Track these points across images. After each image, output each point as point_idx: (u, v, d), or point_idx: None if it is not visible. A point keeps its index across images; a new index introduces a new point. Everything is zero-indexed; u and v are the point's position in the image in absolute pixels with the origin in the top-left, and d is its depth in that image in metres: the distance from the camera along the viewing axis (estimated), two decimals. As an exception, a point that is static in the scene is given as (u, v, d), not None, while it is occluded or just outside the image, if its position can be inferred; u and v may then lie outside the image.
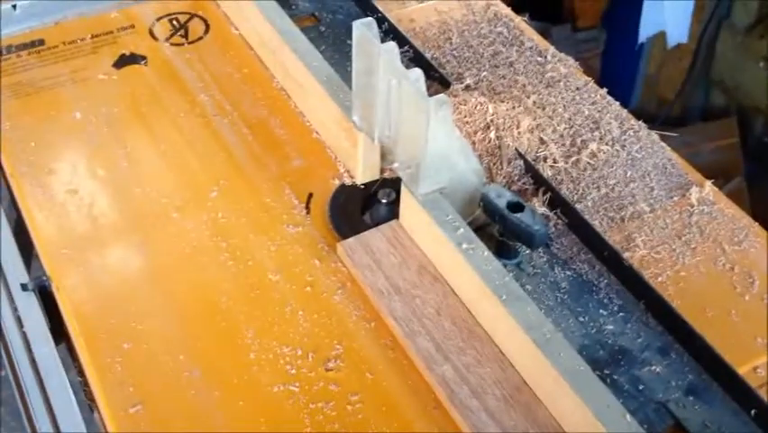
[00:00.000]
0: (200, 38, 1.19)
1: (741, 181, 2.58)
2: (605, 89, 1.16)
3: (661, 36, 2.80)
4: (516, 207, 0.90)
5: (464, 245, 0.85)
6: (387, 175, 0.98)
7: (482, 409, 0.77)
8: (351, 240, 0.92)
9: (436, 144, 0.85)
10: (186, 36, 1.19)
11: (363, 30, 0.89)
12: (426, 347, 0.82)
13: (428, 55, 1.18)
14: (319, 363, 0.82)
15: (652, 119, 2.91)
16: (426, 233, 0.90)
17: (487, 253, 0.85)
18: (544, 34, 2.78)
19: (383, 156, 0.98)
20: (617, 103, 1.14)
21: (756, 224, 1.00)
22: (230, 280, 0.89)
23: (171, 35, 1.19)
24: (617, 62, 2.94)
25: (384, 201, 0.97)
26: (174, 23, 1.21)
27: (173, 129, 1.06)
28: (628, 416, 0.72)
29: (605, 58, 2.97)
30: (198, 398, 0.79)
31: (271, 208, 0.97)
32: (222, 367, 0.82)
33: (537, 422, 0.76)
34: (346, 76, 0.99)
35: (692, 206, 1.01)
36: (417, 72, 0.86)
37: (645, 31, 2.71)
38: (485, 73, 1.15)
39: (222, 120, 1.07)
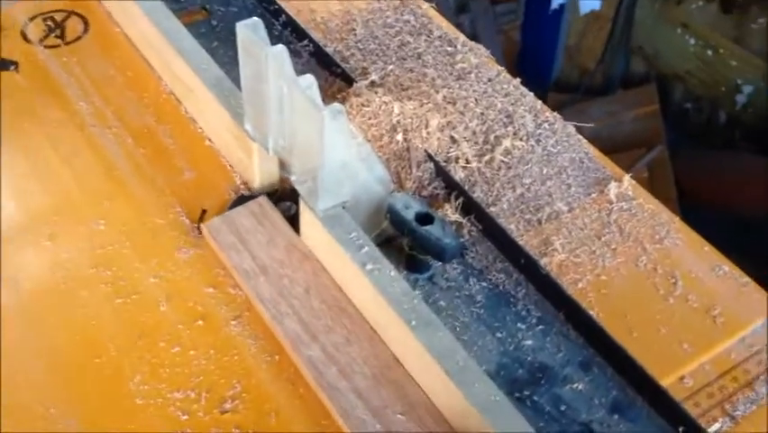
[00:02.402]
0: (79, 38, 1.09)
1: (663, 150, 2.58)
2: (518, 79, 1.09)
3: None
4: (425, 218, 0.83)
5: (369, 266, 0.78)
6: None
7: (351, 390, 0.74)
8: (215, 219, 0.87)
9: (335, 156, 0.78)
10: (62, 37, 1.08)
11: (248, 33, 0.80)
12: (294, 329, 0.78)
13: (330, 49, 1.10)
14: (214, 406, 0.74)
15: (574, 89, 2.91)
16: (328, 251, 0.82)
17: (393, 272, 0.78)
18: (463, 9, 2.72)
19: (282, 165, 0.90)
20: (531, 94, 1.08)
21: (677, 218, 0.95)
22: (112, 317, 0.80)
23: (46, 36, 1.08)
24: (537, 33, 2.90)
25: (285, 216, 0.89)
26: (49, 22, 1.10)
27: (46, 143, 0.96)
28: (549, 451, 0.66)
29: (524, 29, 2.93)
30: (76, 454, 0.71)
31: (159, 230, 0.88)
32: (102, 417, 0.73)
33: (408, 399, 0.74)
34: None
35: (611, 202, 0.96)
36: (309, 79, 0.78)
37: (557, -3, 2.69)
38: (391, 67, 1.08)
39: (102, 130, 0.98)
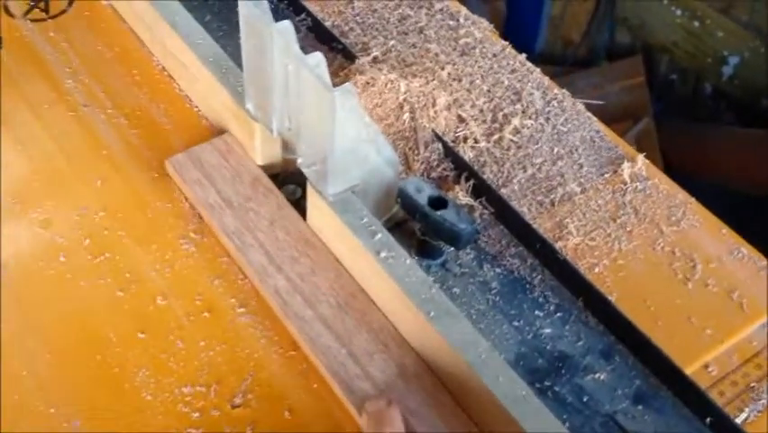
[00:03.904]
0: (63, 11, 1.03)
1: (649, 122, 2.56)
2: (524, 55, 1.06)
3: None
4: (438, 202, 0.80)
5: (383, 253, 0.74)
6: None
7: (316, 318, 0.75)
8: (179, 155, 0.87)
9: (345, 138, 0.74)
10: (46, 10, 1.03)
11: (251, 8, 0.76)
12: (259, 260, 0.78)
13: (329, 23, 1.06)
14: (225, 400, 0.71)
15: (559, 61, 2.87)
16: (339, 238, 0.79)
17: (409, 261, 0.74)
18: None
19: (285, 147, 0.86)
20: (538, 70, 1.04)
21: (693, 199, 0.92)
22: (113, 309, 0.76)
23: (29, 10, 1.02)
24: (522, 4, 2.86)
25: (289, 200, 0.85)
26: (31, -6, 1.04)
27: (36, 123, 0.90)
28: (579, 447, 0.64)
29: (509, 0, 2.89)
30: (82, 456, 0.67)
31: (158, 215, 0.84)
32: (108, 415, 0.70)
33: (372, 327, 0.75)
34: (238, 52, 0.85)
35: (625, 183, 0.93)
36: (318, 57, 0.74)
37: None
38: (393, 42, 1.03)
39: (94, 110, 0.92)
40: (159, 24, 0.94)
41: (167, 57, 0.97)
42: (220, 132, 0.90)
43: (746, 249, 0.87)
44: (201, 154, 0.86)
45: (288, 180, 0.87)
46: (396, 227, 0.85)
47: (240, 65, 0.84)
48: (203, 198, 0.83)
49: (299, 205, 0.85)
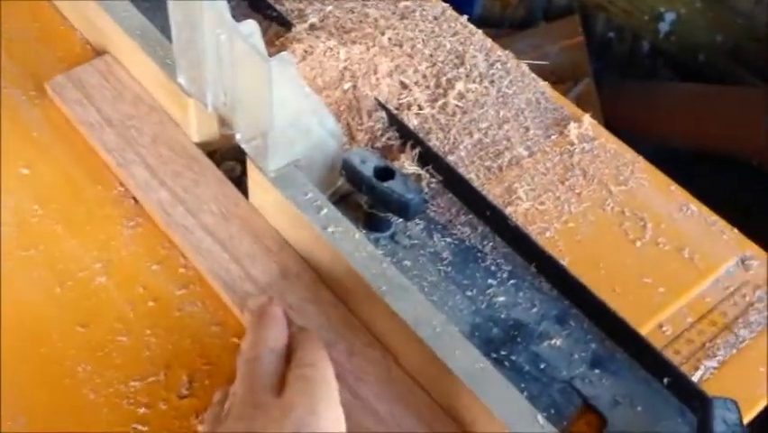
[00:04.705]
0: (-22, -14, 0.97)
1: (589, 82, 2.56)
2: (465, 16, 1.03)
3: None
4: (384, 173, 0.77)
5: (330, 229, 0.72)
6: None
7: (198, 226, 0.76)
8: (59, 77, 0.86)
9: (285, 111, 0.70)
10: (-43, -14, 0.96)
11: (177, -25, 0.71)
12: (141, 175, 0.79)
13: (262, -11, 1.02)
14: (172, 392, 0.68)
15: (497, 24, 2.86)
16: (283, 215, 0.76)
17: (358, 235, 0.72)
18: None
19: (222, 122, 0.82)
20: (480, 32, 1.02)
21: (641, 158, 0.91)
22: (50, 302, 0.72)
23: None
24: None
25: (229, 177, 0.82)
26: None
27: (-48, 109, 0.85)
28: (540, 417, 0.62)
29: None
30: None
31: (91, 199, 0.79)
32: (51, 413, 0.66)
33: (255, 233, 0.76)
34: (166, 24, 0.81)
35: (572, 144, 0.92)
36: (252, 25, 0.70)
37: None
38: (330, 8, 1.00)
39: (15, 91, 0.87)
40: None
41: (91, 31, 0.92)
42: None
43: (695, 205, 0.87)
44: (82, 75, 0.86)
45: (227, 157, 0.84)
46: (341, 201, 0.82)
47: (169, 37, 0.80)
48: (83, 117, 0.83)
49: (240, 182, 0.81)
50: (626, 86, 2.64)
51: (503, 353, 0.74)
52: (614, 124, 2.41)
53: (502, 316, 0.77)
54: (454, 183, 0.85)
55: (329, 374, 0.59)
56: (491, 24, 2.88)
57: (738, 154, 2.20)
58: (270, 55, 0.67)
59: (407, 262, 0.80)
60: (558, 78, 2.52)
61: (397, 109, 0.90)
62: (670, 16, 2.58)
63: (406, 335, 0.67)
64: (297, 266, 0.74)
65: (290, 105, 0.71)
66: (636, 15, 2.64)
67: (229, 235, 0.76)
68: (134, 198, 0.80)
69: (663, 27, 2.60)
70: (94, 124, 0.82)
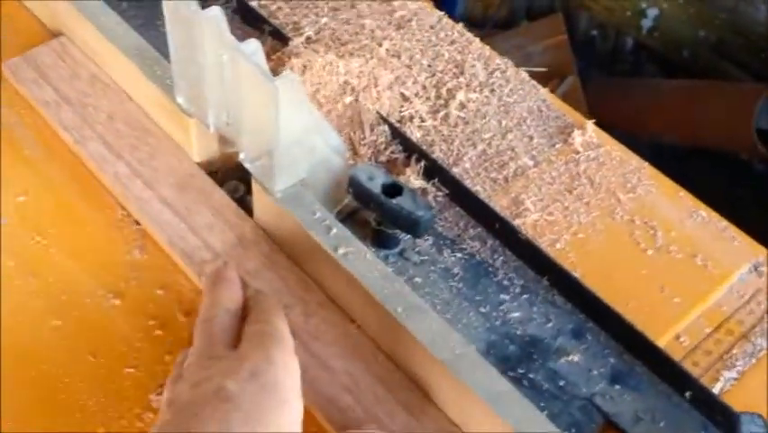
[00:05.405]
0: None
1: (575, 80, 2.56)
2: (461, 24, 1.02)
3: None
4: (392, 189, 0.75)
5: (341, 250, 0.70)
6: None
7: (155, 198, 0.77)
8: (15, 58, 0.87)
9: (290, 130, 0.69)
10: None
11: (176, -5, 0.69)
12: (98, 150, 0.81)
13: (254, 3, 0.99)
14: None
15: (480, 25, 2.84)
16: (290, 235, 0.74)
17: (369, 255, 0.70)
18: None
19: (224, 141, 0.80)
20: (477, 40, 1.00)
21: (647, 164, 0.90)
22: (53, 338, 0.69)
23: None
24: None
25: (232, 198, 0.80)
26: None
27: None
28: (566, 439, 0.61)
29: (426, -37, 2.83)
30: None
31: (91, 225, 0.77)
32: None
33: (212, 202, 0.78)
34: (159, 39, 0.79)
35: (577, 152, 0.90)
36: (254, 45, 0.68)
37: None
38: (325, 19, 0.98)
39: (8, 110, 0.85)
40: (72, 14, 0.86)
41: (86, 49, 0.89)
42: (149, 129, 0.84)
43: (705, 211, 0.86)
44: (38, 56, 0.87)
45: (229, 177, 0.82)
46: (347, 218, 0.80)
47: (166, 55, 0.78)
48: (39, 96, 0.84)
49: (243, 202, 0.79)
50: (612, 83, 2.64)
51: (520, 371, 0.73)
52: (601, 121, 2.42)
53: (517, 332, 0.75)
54: (461, 196, 0.83)
55: (284, 329, 0.61)
56: (474, 25, 2.87)
57: (727, 150, 2.20)
58: (271, 71, 0.65)
59: (418, 279, 0.78)
60: (543, 77, 2.51)
61: (399, 122, 0.88)
62: (652, 12, 2.58)
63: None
64: (253, 234, 0.76)
65: (295, 124, 0.69)
66: (619, 12, 2.64)
67: (186, 207, 0.77)
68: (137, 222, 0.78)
69: (646, 23, 2.60)
70: (50, 103, 0.83)
